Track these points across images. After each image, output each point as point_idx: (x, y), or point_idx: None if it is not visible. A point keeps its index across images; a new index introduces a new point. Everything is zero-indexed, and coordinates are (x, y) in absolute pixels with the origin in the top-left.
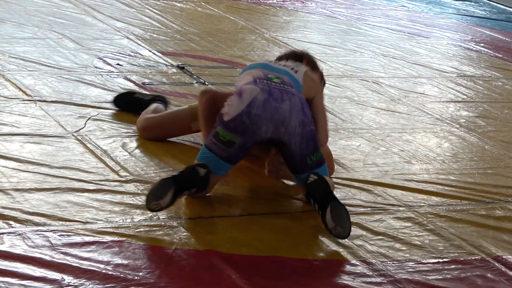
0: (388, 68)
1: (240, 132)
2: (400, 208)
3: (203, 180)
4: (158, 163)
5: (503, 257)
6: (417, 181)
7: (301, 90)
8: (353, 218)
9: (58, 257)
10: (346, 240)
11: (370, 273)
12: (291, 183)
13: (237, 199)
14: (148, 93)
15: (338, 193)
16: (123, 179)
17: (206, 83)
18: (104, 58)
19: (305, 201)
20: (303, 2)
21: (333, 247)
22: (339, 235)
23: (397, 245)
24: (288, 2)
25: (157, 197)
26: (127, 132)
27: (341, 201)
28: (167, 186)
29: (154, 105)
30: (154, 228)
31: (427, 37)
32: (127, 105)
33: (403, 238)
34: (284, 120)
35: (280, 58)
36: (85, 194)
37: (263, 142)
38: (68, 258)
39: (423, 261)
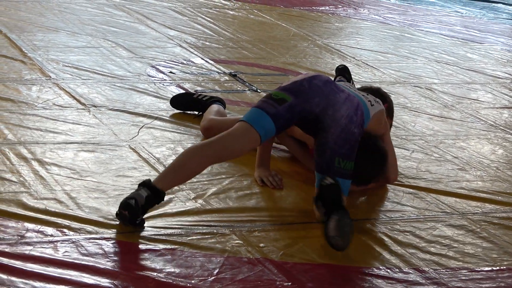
0: (441, 74)
1: (295, 93)
2: (453, 216)
3: (139, 209)
4: (210, 171)
5: None
6: (470, 189)
7: (368, 122)
8: (405, 226)
9: (111, 265)
10: (398, 247)
11: (423, 281)
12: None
13: (290, 206)
14: (205, 94)
15: (390, 201)
16: (176, 187)
17: (258, 90)
18: (157, 66)
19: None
20: (356, 9)
21: (386, 255)
22: (337, 245)
23: (450, 253)
24: (340, 9)
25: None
26: (180, 140)
27: (390, 209)
28: (124, 215)
29: (216, 107)
30: (206, 236)
31: (480, 43)
32: (185, 105)
33: (456, 246)
34: (335, 104)
35: (363, 89)
36: None
37: (309, 117)
38: (121, 265)
39: (476, 269)
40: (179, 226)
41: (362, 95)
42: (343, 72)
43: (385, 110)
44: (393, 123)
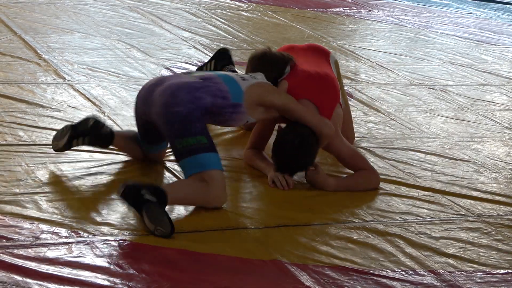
0: (456, 76)
1: (135, 113)
2: (468, 218)
3: (91, 128)
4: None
5: None
6: (485, 191)
7: (242, 95)
8: (420, 228)
9: (126, 267)
10: (413, 249)
11: (438, 284)
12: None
13: (304, 208)
14: None
15: (405, 203)
16: None
17: None
18: (172, 68)
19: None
20: (370, 10)
21: (401, 257)
22: (162, 235)
23: (465, 255)
24: (354, 10)
25: (57, 138)
26: None
27: (405, 211)
28: (65, 131)
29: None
30: (221, 238)
31: (495, 45)
32: None
33: (471, 248)
34: (152, 101)
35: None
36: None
37: (150, 122)
38: (135, 267)
39: (492, 272)
40: (193, 229)
41: (233, 74)
42: (223, 56)
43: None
44: (408, 125)
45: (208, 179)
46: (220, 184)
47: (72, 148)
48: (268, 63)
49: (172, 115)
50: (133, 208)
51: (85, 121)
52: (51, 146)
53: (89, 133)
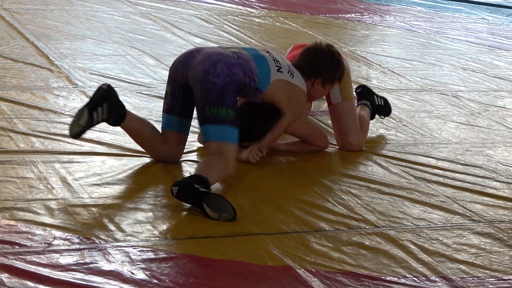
0: (467, 81)
1: (168, 81)
2: (480, 224)
3: (107, 94)
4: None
5: None
6: (497, 196)
7: (267, 83)
8: (432, 234)
9: (138, 273)
10: (425, 255)
11: None
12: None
13: (315, 213)
14: None
15: (417, 209)
16: None
17: None
18: None
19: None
20: (382, 16)
21: (412, 263)
22: (227, 220)
23: (477, 261)
24: (366, 16)
25: (76, 120)
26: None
27: (417, 217)
28: (81, 110)
29: None
30: (232, 244)
31: (507, 50)
32: None
33: (483, 254)
34: (192, 65)
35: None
36: (165, 209)
37: (184, 86)
38: (147, 273)
39: (504, 278)
40: (205, 235)
41: (274, 59)
42: None
43: (316, 83)
44: (420, 130)
45: (226, 150)
46: (234, 157)
47: (84, 155)
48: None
49: (211, 84)
50: (192, 204)
51: (99, 88)
52: (65, 151)
53: (106, 98)
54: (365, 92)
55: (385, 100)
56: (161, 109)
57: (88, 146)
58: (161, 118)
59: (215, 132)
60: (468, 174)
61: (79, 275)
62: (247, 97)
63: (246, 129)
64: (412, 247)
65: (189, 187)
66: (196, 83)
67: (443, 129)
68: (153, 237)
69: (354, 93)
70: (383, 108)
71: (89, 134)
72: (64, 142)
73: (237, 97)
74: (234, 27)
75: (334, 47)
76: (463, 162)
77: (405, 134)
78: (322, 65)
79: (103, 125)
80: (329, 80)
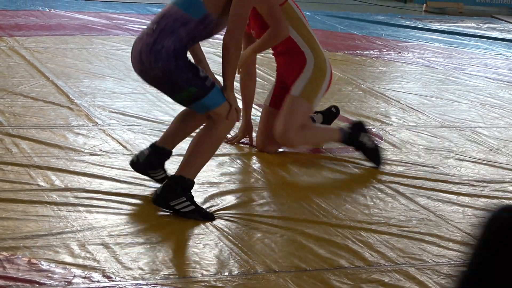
0: (486, 117)
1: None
2: None
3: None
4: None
5: None
6: None
7: (203, 4)
8: (453, 271)
9: None
10: None
11: None
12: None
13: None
14: None
15: (439, 245)
16: (220, 234)
17: None
18: None
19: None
20: (400, 52)
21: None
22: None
23: None
24: (384, 53)
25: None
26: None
27: (437, 253)
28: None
29: None
30: (253, 281)
31: None
32: None
33: None
34: (137, 56)
35: None
36: (184, 248)
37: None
38: None
39: None
40: (224, 274)
41: None
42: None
43: None
44: (439, 167)
45: (215, 116)
46: (224, 118)
47: (104, 193)
48: None
49: (154, 80)
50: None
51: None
52: (84, 190)
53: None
54: (357, 128)
55: (377, 147)
56: (181, 146)
57: (107, 184)
58: (180, 152)
59: (196, 108)
60: (488, 210)
61: None
62: (206, 34)
63: None
64: (432, 284)
65: (164, 203)
66: (146, 82)
67: (462, 166)
68: (172, 275)
69: (318, 101)
70: (373, 154)
71: (108, 172)
72: (83, 180)
73: (186, 56)
74: None
75: None
76: (483, 199)
77: (424, 170)
78: None
79: (123, 163)
80: None
